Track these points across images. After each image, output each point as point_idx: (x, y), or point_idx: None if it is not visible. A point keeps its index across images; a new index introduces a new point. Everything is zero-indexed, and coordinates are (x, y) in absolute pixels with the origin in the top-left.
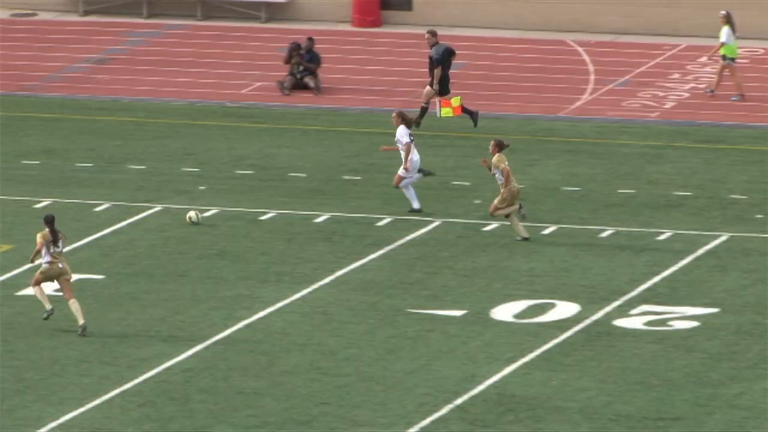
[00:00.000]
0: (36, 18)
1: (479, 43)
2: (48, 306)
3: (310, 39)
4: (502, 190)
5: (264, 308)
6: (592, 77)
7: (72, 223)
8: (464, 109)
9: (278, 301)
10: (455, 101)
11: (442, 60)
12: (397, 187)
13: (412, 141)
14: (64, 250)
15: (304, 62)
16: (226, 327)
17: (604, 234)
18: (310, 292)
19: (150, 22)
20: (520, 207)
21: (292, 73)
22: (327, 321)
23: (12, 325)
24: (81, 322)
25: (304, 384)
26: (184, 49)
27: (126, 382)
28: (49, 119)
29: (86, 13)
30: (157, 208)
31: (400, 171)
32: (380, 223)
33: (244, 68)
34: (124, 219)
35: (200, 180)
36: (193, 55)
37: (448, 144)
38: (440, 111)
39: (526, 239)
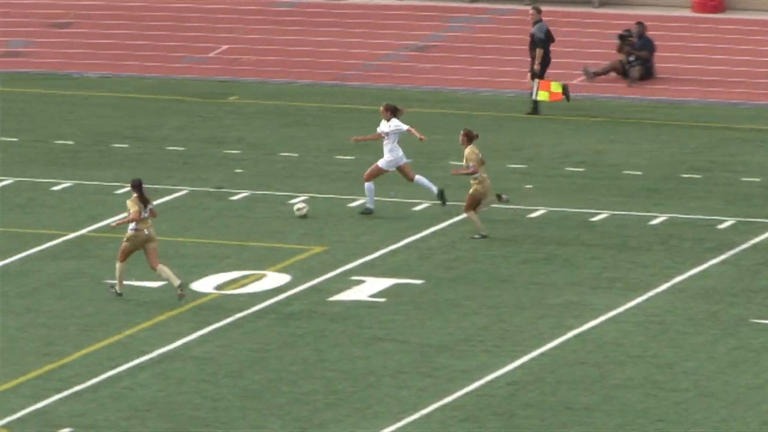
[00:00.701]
0: (348, 2)
1: None
2: (119, 289)
3: (640, 23)
4: (473, 182)
5: (595, 317)
6: None
7: (389, 223)
8: (564, 92)
9: (610, 309)
10: (555, 86)
11: (546, 39)
12: (368, 180)
13: (387, 134)
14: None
15: (634, 50)
16: (554, 337)
17: None
18: (645, 300)
19: (474, 6)
20: (479, 205)
21: (622, 63)
22: (663, 331)
23: (324, 333)
24: (177, 282)
25: (639, 399)
26: (510, 36)
27: (446, 396)
28: (365, 111)
29: None
30: (481, 207)
31: (381, 162)
32: (722, 226)
33: (576, 57)
34: (445, 219)
35: (526, 178)
36: (520, 42)
37: None
38: (536, 93)
39: (484, 237)
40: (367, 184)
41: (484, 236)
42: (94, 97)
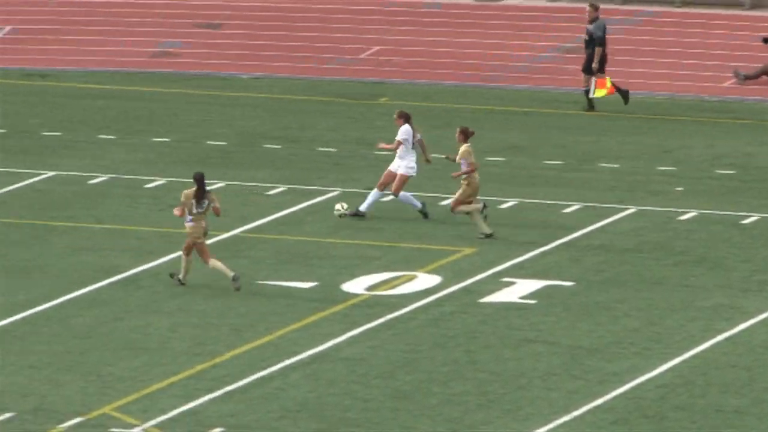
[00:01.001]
0: (502, 3)
1: None
2: (230, 273)
3: None
4: (462, 183)
5: (746, 320)
6: None
7: (537, 226)
8: (616, 88)
9: (761, 312)
10: (611, 83)
11: (604, 37)
12: (396, 194)
13: (414, 143)
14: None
15: None
16: (705, 339)
17: None
18: None
19: (625, 8)
20: (484, 206)
21: None
22: None
23: (475, 334)
24: (231, 274)
25: None
26: (660, 38)
27: (597, 398)
28: (514, 113)
29: None
30: (631, 209)
31: (403, 170)
32: None
33: (725, 59)
34: (596, 222)
35: (676, 180)
36: (670, 45)
37: None
38: (594, 91)
39: (489, 236)
40: (400, 195)
41: (489, 235)
42: (244, 98)
